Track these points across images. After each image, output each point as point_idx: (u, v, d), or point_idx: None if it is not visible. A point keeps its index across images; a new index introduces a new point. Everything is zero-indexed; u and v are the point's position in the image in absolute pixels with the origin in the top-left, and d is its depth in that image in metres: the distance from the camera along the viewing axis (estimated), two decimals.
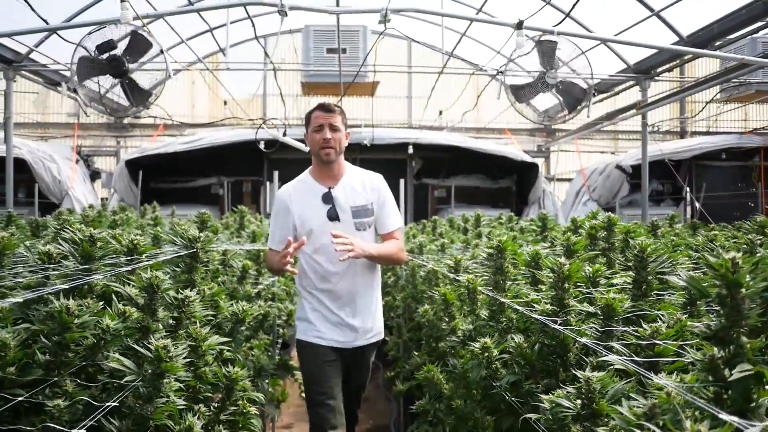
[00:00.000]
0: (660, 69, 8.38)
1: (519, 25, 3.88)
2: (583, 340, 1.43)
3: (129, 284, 1.89)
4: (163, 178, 11.41)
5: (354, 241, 2.37)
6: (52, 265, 1.80)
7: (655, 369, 1.24)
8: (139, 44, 4.11)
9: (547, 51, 3.92)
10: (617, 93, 9.77)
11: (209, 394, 2.03)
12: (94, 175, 11.61)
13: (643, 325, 1.35)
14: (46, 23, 4.94)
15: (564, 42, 4.14)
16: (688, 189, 11.66)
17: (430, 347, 2.86)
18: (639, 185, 10.83)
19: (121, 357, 1.47)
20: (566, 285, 1.68)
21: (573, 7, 6.45)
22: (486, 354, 1.84)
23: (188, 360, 1.72)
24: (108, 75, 3.83)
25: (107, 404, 1.33)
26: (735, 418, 0.76)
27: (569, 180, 12.51)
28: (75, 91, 4.11)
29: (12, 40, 7.87)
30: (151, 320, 1.59)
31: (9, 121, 7.75)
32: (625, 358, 1.16)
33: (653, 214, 9.49)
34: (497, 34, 10.03)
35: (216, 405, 2.05)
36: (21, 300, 1.51)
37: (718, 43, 7.16)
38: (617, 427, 1.02)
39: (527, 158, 10.78)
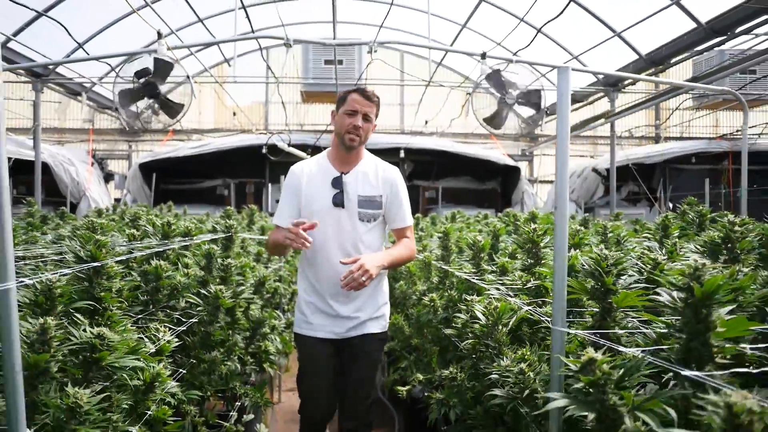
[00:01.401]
0: (627, 81, 9.27)
1: (483, 56, 4.77)
2: (485, 285, 2.29)
3: (186, 256, 2.75)
4: (172, 180, 12.26)
5: (365, 263, 2.25)
6: (135, 242, 2.66)
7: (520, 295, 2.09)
8: (164, 67, 4.94)
9: (504, 79, 4.79)
10: (591, 102, 10.64)
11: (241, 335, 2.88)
12: (108, 177, 12.45)
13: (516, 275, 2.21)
14: (80, 45, 5.76)
15: (522, 68, 5.00)
16: (661, 190, 12.56)
17: (404, 313, 3.72)
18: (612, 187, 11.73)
19: (193, 296, 2.33)
20: (482, 254, 2.54)
21: (545, 24, 7.35)
22: (432, 304, 2.70)
23: (230, 302, 2.57)
24: (144, 96, 4.68)
25: (189, 321, 2.19)
26: (519, 300, 1.62)
27: (551, 182, 13.38)
28: (116, 110, 4.96)
29: (41, 55, 8.72)
30: (209, 276, 2.45)
31: (37, 129, 8.59)
32: (492, 286, 2.01)
33: (629, 213, 10.40)
34: (480, 46, 10.87)
35: (246, 342, 2.91)
36: (125, 258, 2.37)
37: (683, 56, 8.04)
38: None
39: (510, 162, 11.65)
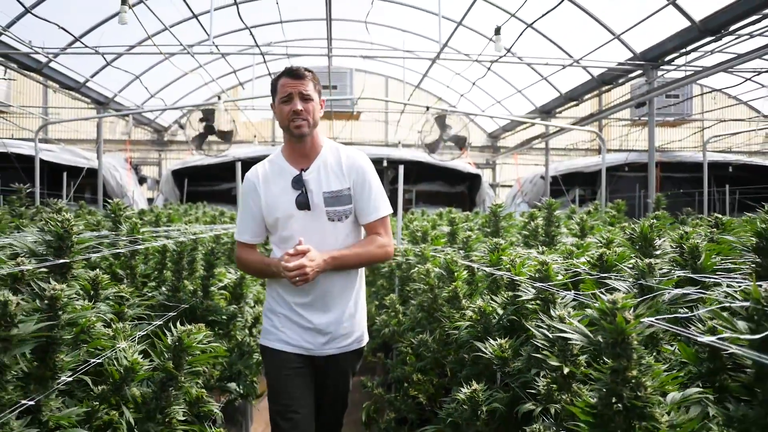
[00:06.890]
0: (560, 109, 11.92)
1: (427, 108, 7.34)
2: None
3: None
4: (196, 183, 14.82)
5: (307, 260, 2.02)
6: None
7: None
8: (215, 114, 7.53)
9: (441, 122, 7.36)
10: (534, 124, 13.27)
11: None
12: (141, 180, 15.00)
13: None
14: (137, 77, 8.28)
15: (455, 115, 7.56)
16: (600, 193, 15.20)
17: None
18: (560, 191, 14.50)
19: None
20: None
21: (491, 64, 9.94)
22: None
23: None
24: (207, 135, 7.28)
25: None
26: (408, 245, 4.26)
27: (510, 186, 16.03)
28: (190, 143, 7.56)
29: (102, 86, 11.27)
30: None
31: (100, 145, 11.16)
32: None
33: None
34: (447, 76, 13.48)
35: None
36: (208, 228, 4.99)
37: (589, 96, 10.65)
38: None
39: (473, 170, 14.29)
